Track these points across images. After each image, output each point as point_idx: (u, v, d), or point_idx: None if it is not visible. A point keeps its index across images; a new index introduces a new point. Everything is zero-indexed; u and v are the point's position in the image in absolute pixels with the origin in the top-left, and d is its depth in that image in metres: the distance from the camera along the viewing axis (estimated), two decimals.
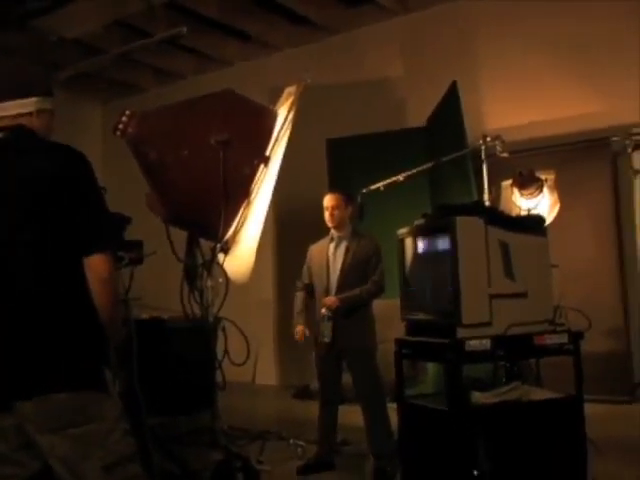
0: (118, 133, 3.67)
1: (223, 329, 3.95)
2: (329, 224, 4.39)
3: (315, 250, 4.50)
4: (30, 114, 2.06)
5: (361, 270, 4.29)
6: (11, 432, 1.95)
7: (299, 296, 4.51)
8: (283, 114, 3.95)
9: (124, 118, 3.67)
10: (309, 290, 4.48)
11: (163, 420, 4.35)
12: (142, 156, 3.72)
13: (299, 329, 4.41)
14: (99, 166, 2.04)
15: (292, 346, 7.69)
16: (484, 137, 4.33)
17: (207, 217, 3.74)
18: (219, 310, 3.81)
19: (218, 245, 3.85)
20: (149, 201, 3.83)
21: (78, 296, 1.97)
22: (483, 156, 4.39)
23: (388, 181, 4.29)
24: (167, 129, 3.76)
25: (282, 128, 3.85)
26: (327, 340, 4.19)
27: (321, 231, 4.51)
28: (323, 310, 4.20)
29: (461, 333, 2.92)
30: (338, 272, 4.32)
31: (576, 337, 3.14)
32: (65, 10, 6.82)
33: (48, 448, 1.94)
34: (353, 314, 4.24)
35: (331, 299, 4.23)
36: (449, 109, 5.92)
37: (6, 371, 1.91)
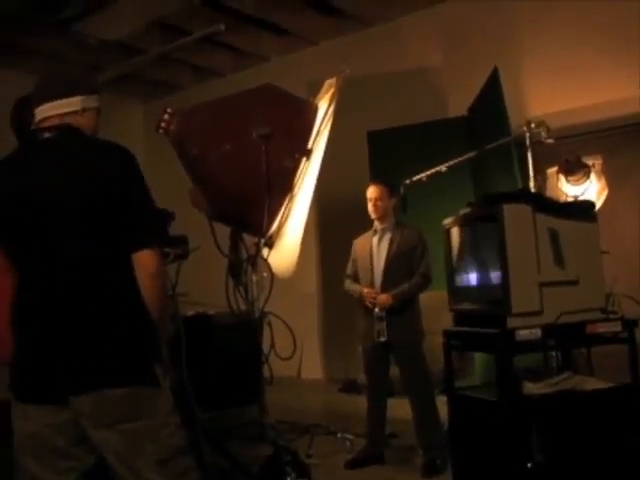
0: (161, 131, 3.71)
1: (269, 324, 3.96)
2: (372, 215, 4.38)
3: (359, 244, 4.49)
4: (76, 112, 2.08)
5: (406, 261, 4.26)
6: (68, 427, 1.97)
7: (347, 280, 4.47)
8: (324, 106, 3.94)
9: (166, 116, 3.70)
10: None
11: (212, 414, 4.38)
12: (185, 153, 3.75)
13: (367, 290, 4.28)
14: (141, 164, 2.05)
15: (337, 340, 7.78)
16: (528, 123, 4.24)
17: (251, 212, 3.75)
18: (264, 305, 3.81)
19: (262, 240, 3.86)
20: (193, 197, 3.85)
21: (129, 292, 2.00)
22: (527, 143, 4.30)
23: (430, 172, 4.23)
24: (208, 125, 3.78)
25: (323, 121, 3.84)
26: (383, 339, 4.17)
27: (364, 223, 4.49)
28: (376, 310, 4.19)
29: (511, 323, 2.87)
30: (382, 264, 4.30)
31: (630, 325, 3.06)
32: (105, 12, 6.91)
33: (103, 443, 1.96)
34: (400, 307, 4.21)
35: (384, 298, 4.20)
36: (491, 96, 5.83)
37: (62, 366, 1.93)
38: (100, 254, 1.97)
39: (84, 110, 2.10)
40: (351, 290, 4.42)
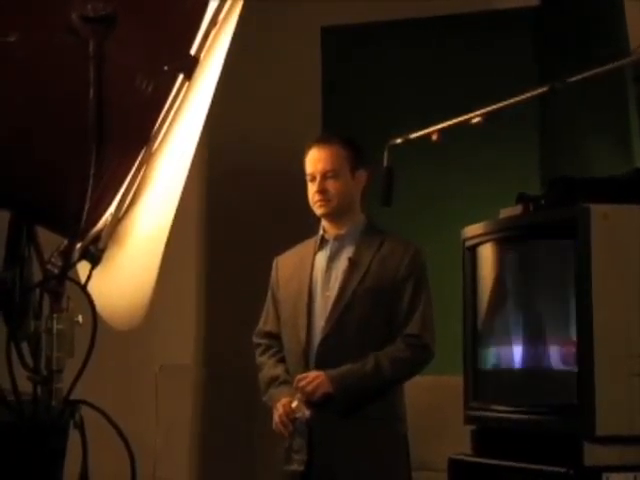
0: None
1: (81, 425, 3.92)
2: (317, 210, 4.48)
3: (286, 266, 4.57)
4: None
5: (380, 308, 4.34)
6: None
7: (267, 363, 4.62)
8: None
9: None
10: (276, 348, 4.59)
11: None
12: None
13: (281, 405, 4.46)
14: None
15: (236, 464, 7.79)
16: None
17: (55, 182, 3.73)
18: (73, 386, 3.78)
19: (78, 244, 3.84)
20: None
21: None
22: None
23: (450, 122, 4.28)
24: None
25: (224, 2, 3.86)
26: (299, 467, 4.31)
27: (304, 225, 4.56)
28: (294, 404, 4.25)
29: (593, 454, 2.89)
30: (329, 311, 4.38)
31: None
32: None
33: None
34: (360, 410, 4.31)
35: (312, 378, 4.28)
36: None
37: None
38: None
39: None
40: (273, 398, 4.58)
